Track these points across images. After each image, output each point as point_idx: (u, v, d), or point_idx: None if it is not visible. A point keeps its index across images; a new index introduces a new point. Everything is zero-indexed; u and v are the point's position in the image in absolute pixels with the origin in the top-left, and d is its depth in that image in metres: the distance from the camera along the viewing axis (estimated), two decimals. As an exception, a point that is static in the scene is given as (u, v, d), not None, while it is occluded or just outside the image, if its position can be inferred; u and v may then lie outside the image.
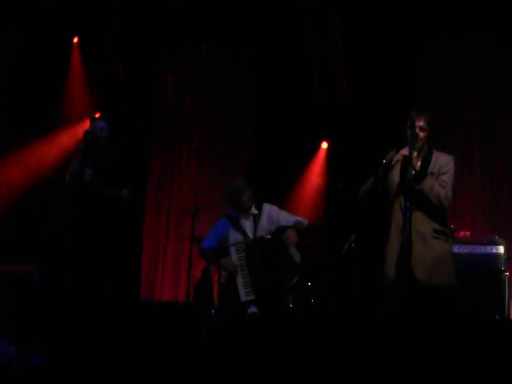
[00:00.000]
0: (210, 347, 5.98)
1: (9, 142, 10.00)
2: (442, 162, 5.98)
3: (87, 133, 6.85)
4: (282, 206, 7.98)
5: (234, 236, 7.51)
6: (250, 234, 7.47)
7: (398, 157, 5.89)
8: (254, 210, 7.56)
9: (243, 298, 7.23)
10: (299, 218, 7.58)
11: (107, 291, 6.49)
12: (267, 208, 7.63)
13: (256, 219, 7.53)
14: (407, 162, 5.71)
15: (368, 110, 10.25)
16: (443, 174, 5.92)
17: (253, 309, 7.16)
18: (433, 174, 5.89)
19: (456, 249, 7.91)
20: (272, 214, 7.59)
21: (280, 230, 7.37)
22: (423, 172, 5.86)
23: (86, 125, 10.43)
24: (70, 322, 5.73)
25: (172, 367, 4.99)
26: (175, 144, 11.33)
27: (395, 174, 5.94)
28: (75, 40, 10.70)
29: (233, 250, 7.38)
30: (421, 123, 5.89)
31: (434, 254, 5.80)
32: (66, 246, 7.09)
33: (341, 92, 10.55)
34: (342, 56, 10.52)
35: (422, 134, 5.90)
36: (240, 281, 7.29)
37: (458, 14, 9.61)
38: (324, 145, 11.24)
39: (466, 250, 8.23)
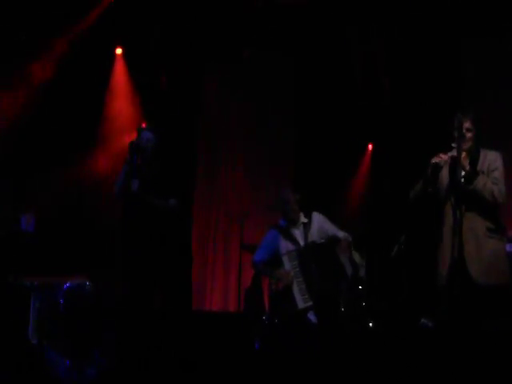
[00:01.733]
0: (264, 355, 5.96)
1: (56, 152, 10.07)
2: (490, 159, 5.92)
3: (133, 144, 6.87)
4: (329, 210, 7.95)
5: (284, 245, 7.43)
6: (301, 242, 7.39)
7: (447, 158, 5.84)
8: (304, 219, 7.48)
9: (301, 305, 7.11)
10: (345, 233, 7.54)
11: (159, 303, 6.52)
12: (317, 217, 7.55)
13: (306, 228, 7.45)
14: (456, 163, 5.68)
15: (413, 111, 10.19)
16: (493, 170, 5.86)
17: (311, 317, 7.11)
18: (483, 172, 5.84)
19: (508, 248, 7.79)
20: (322, 224, 7.53)
21: (332, 238, 7.35)
22: (473, 171, 5.80)
23: (133, 135, 10.48)
24: (123, 334, 5.77)
25: (227, 376, 4.99)
26: (221, 151, 11.34)
27: (444, 176, 5.91)
28: (119, 51, 10.74)
29: (285, 259, 7.29)
30: (467, 124, 5.84)
31: (488, 252, 5.74)
32: (116, 258, 7.12)
33: (384, 93, 10.50)
34: (385, 57, 10.46)
35: (469, 135, 5.85)
36: (296, 289, 7.18)
37: (502, 9, 9.49)
38: (370, 147, 11.20)
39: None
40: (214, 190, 11.19)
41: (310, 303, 7.12)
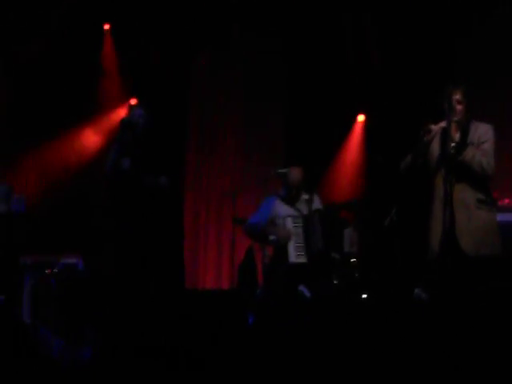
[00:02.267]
0: (258, 330, 5.97)
1: (45, 131, 10.03)
2: (481, 131, 5.92)
3: (124, 121, 6.83)
4: (321, 182, 8.03)
5: (285, 211, 7.59)
6: (304, 212, 7.59)
7: (437, 129, 5.83)
8: (305, 195, 7.67)
9: (292, 259, 7.33)
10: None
11: (152, 281, 6.52)
12: (318, 197, 7.82)
13: (309, 202, 7.65)
14: (446, 134, 5.68)
15: (404, 82, 10.13)
16: (483, 142, 5.86)
17: (304, 290, 7.17)
18: (473, 143, 5.84)
19: (499, 217, 7.79)
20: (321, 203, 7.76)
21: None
22: (463, 143, 5.80)
23: (122, 112, 10.42)
24: (116, 314, 5.77)
25: (221, 352, 4.99)
26: (211, 127, 11.26)
27: (435, 148, 5.91)
28: (106, 27, 10.66)
29: (289, 219, 7.45)
30: (457, 96, 5.83)
31: (479, 224, 5.77)
32: (107, 236, 7.11)
33: (374, 64, 10.44)
34: (375, 27, 10.41)
35: (459, 107, 5.84)
36: (292, 246, 7.37)
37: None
38: (360, 118, 11.15)
39: (506, 218, 8.09)
40: (205, 166, 11.12)
41: (303, 260, 7.28)
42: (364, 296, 8.09)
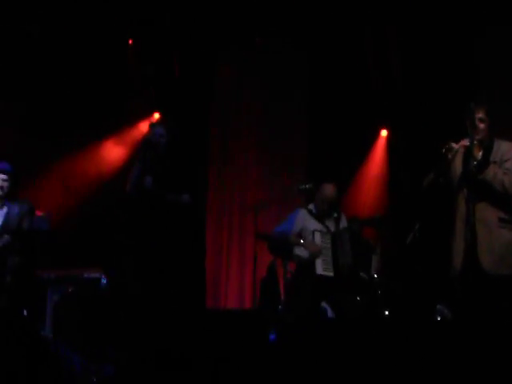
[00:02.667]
0: (281, 347, 5.96)
1: (68, 145, 10.07)
2: (504, 149, 5.88)
3: (145, 140, 6.86)
4: (344, 197, 8.03)
5: (313, 225, 7.57)
6: (332, 229, 7.57)
7: (459, 147, 5.81)
8: (335, 214, 7.63)
9: (319, 271, 7.29)
10: None
11: (174, 299, 6.52)
12: (345, 217, 7.80)
13: (337, 221, 7.62)
14: (468, 153, 5.67)
15: (428, 98, 10.10)
16: (506, 161, 5.82)
17: (327, 308, 7.18)
18: (495, 162, 5.81)
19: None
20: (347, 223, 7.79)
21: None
22: (485, 161, 5.78)
23: (145, 126, 10.45)
24: (138, 331, 5.79)
25: (243, 370, 5.00)
26: (234, 140, 11.26)
27: (457, 166, 5.88)
28: (130, 41, 10.72)
29: (317, 234, 7.41)
30: (480, 115, 5.80)
31: (500, 243, 5.72)
32: (130, 253, 7.13)
33: (397, 79, 10.43)
34: (398, 41, 10.39)
35: (482, 126, 5.81)
36: (319, 260, 7.33)
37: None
38: (384, 133, 11.14)
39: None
40: (227, 180, 11.12)
41: (330, 274, 7.25)
42: (386, 313, 8.07)
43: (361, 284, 7.51)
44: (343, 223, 7.69)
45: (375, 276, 7.73)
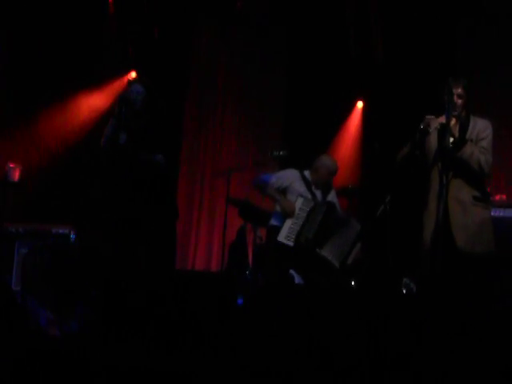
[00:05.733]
0: (248, 312, 5.97)
1: (42, 99, 9.96)
2: (480, 127, 5.92)
3: (122, 97, 6.78)
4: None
5: (301, 189, 7.54)
6: (319, 199, 7.55)
7: (436, 124, 5.81)
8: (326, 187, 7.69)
9: (281, 238, 7.25)
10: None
11: (143, 258, 6.51)
12: (334, 193, 7.81)
13: (325, 193, 7.64)
14: (445, 129, 5.66)
15: (405, 72, 10.13)
16: (482, 139, 5.86)
17: (294, 274, 7.17)
18: (471, 140, 5.83)
19: (493, 212, 7.80)
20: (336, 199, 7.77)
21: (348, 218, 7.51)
22: (462, 139, 5.79)
23: (121, 83, 10.38)
24: (107, 289, 5.77)
25: (208, 333, 5.00)
26: (209, 106, 11.22)
27: (433, 141, 5.89)
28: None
29: (300, 200, 7.37)
30: (459, 90, 5.82)
31: (474, 220, 5.78)
32: (100, 210, 7.10)
33: (376, 51, 10.42)
34: (379, 15, 10.37)
35: (459, 102, 5.83)
36: (288, 224, 7.30)
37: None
38: (359, 104, 11.15)
39: (502, 214, 8.11)
40: (201, 144, 11.10)
41: (291, 243, 7.22)
42: (352, 283, 8.12)
43: (320, 263, 7.41)
44: (330, 197, 7.68)
45: (348, 263, 7.58)
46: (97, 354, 4.44)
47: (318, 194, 7.60)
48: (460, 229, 5.69)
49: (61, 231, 7.95)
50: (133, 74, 10.63)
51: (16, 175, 8.42)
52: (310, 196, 7.49)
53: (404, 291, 7.84)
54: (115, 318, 5.07)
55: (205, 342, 4.73)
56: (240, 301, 6.33)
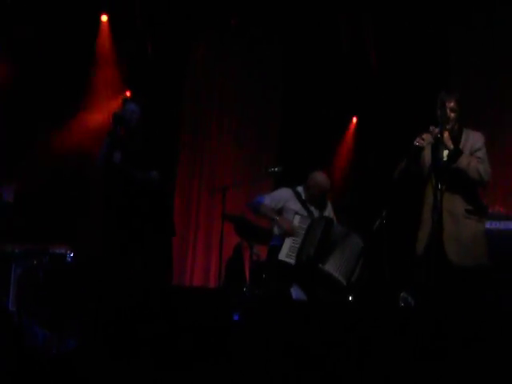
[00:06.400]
0: (244, 327, 5.97)
1: (39, 122, 9.96)
2: (473, 139, 5.93)
3: (116, 115, 6.81)
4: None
5: (296, 207, 7.52)
6: (315, 215, 7.53)
7: (429, 138, 5.82)
8: (323, 203, 7.67)
9: (282, 257, 7.24)
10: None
11: (140, 276, 6.51)
12: (331, 207, 7.77)
13: (321, 209, 7.63)
14: (438, 142, 5.68)
15: (399, 87, 10.17)
16: (476, 150, 5.87)
17: (293, 292, 7.15)
18: (465, 152, 5.85)
19: (487, 225, 7.78)
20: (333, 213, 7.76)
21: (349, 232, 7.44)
22: (456, 150, 5.80)
23: (116, 103, 10.38)
24: (103, 306, 5.78)
25: (206, 349, 5.00)
26: (205, 122, 11.23)
27: (427, 156, 5.90)
28: (104, 18, 10.61)
29: (297, 218, 7.35)
30: (451, 104, 5.83)
31: (466, 233, 5.78)
32: (98, 229, 7.11)
33: (371, 67, 10.47)
34: (373, 29, 10.42)
35: (452, 115, 5.84)
36: (288, 242, 7.29)
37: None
38: (355, 120, 11.20)
39: (497, 226, 8.10)
40: (196, 161, 11.11)
41: (292, 261, 7.21)
42: (350, 298, 8.10)
43: (322, 279, 7.39)
44: (327, 212, 7.68)
45: (352, 281, 7.53)
46: (94, 371, 4.44)
47: (314, 210, 7.58)
48: (452, 242, 5.70)
49: (57, 251, 7.93)
50: (127, 93, 10.65)
51: (11, 195, 8.41)
52: (306, 213, 7.48)
53: (402, 305, 7.83)
54: (111, 335, 5.07)
55: (202, 357, 4.73)
56: (237, 317, 6.33)
